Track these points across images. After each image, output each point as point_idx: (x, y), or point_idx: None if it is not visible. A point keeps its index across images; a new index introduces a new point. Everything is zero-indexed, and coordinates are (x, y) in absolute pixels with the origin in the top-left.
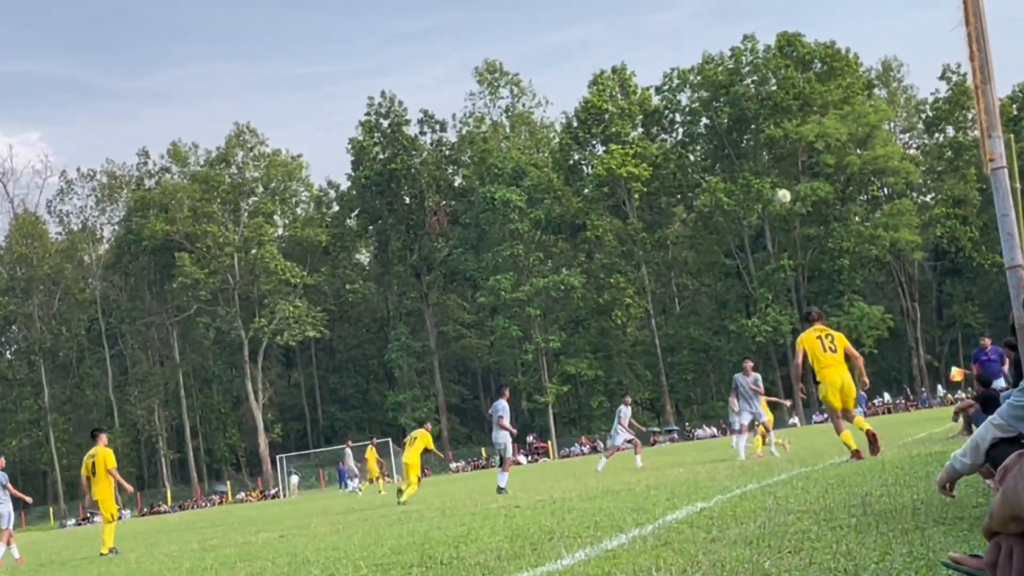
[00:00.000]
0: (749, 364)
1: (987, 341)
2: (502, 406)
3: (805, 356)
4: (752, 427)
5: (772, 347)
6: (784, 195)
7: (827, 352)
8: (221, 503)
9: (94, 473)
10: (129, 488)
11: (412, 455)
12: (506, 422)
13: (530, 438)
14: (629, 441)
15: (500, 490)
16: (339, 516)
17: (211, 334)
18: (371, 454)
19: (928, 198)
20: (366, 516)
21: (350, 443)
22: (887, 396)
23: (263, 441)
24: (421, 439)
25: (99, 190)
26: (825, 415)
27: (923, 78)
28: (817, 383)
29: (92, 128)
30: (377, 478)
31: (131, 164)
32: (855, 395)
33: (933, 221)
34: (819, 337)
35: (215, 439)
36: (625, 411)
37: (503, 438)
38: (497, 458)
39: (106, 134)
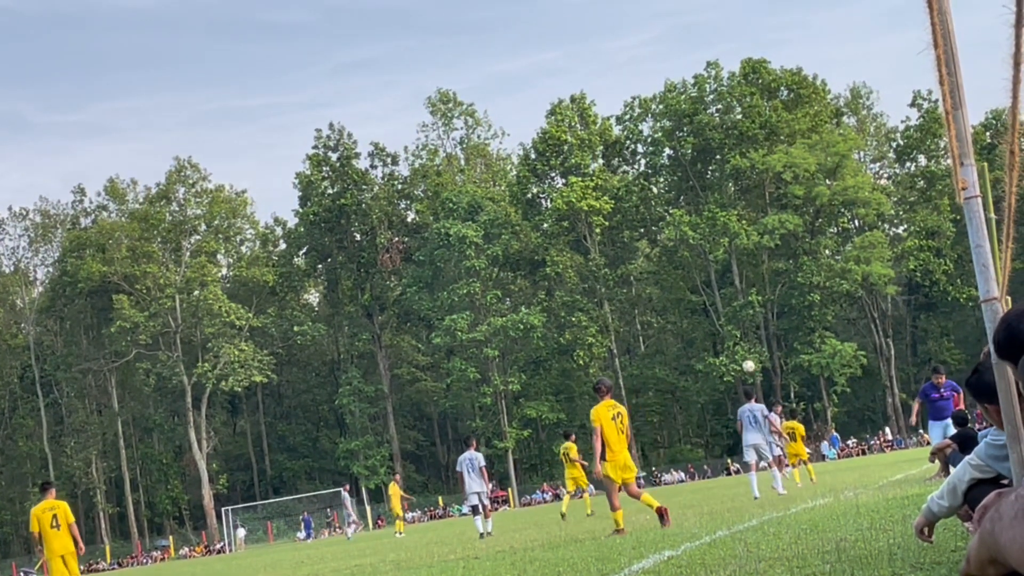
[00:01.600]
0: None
1: (941, 378)
2: (478, 456)
3: (601, 434)
4: (780, 461)
5: (740, 387)
6: (749, 365)
7: (620, 435)
8: (163, 559)
9: (56, 526)
10: (82, 547)
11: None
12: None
13: (490, 485)
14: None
15: (485, 535)
16: (288, 571)
17: (151, 380)
18: (395, 491)
19: (900, 230)
20: (316, 571)
21: (347, 488)
22: (862, 437)
23: (207, 493)
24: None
25: (32, 230)
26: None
27: (893, 105)
28: (601, 460)
29: (24, 164)
30: (400, 517)
31: (66, 202)
32: (635, 472)
33: (906, 253)
34: (614, 417)
35: (156, 491)
36: (774, 418)
37: (481, 486)
38: (479, 505)
39: (39, 170)
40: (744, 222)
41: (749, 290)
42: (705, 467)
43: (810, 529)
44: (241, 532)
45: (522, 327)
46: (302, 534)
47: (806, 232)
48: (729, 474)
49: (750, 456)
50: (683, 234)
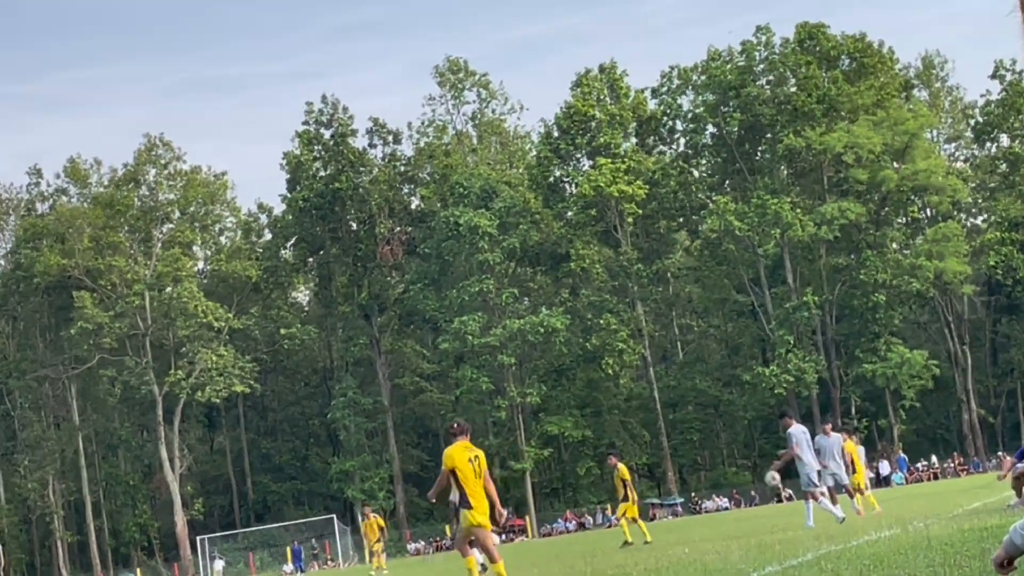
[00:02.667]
0: (828, 426)
1: None
2: None
3: (455, 476)
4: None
5: (794, 400)
6: (772, 477)
7: (478, 479)
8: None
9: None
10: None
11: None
12: None
13: (504, 513)
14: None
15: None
16: None
17: (117, 390)
18: (372, 526)
19: (979, 220)
20: None
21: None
22: (933, 459)
23: (180, 519)
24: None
25: None
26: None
27: (971, 77)
28: (459, 509)
29: None
30: (377, 553)
31: (20, 185)
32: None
33: (985, 248)
34: (471, 460)
35: (122, 517)
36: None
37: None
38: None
39: None
40: (799, 211)
41: (804, 289)
42: (753, 493)
43: (874, 565)
44: (219, 564)
45: (542, 331)
46: (289, 567)
47: (870, 223)
48: (780, 500)
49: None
50: (728, 224)
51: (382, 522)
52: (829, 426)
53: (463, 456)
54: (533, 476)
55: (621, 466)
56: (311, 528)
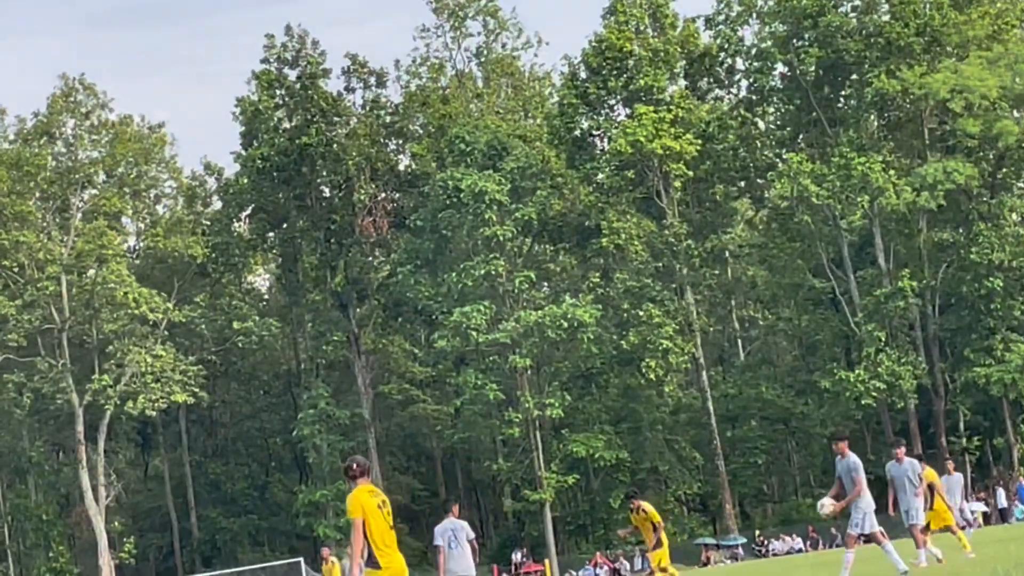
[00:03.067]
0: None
1: None
2: (462, 525)
3: (364, 529)
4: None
5: (887, 412)
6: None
7: (390, 530)
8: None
9: None
10: None
11: None
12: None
13: (517, 556)
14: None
15: None
16: None
17: (26, 399)
18: (332, 572)
19: None
20: None
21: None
22: None
23: (106, 564)
24: None
25: None
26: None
27: None
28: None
29: None
30: None
31: None
32: None
33: None
34: (379, 506)
35: (32, 561)
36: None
37: (468, 567)
38: None
39: None
40: (892, 172)
41: (899, 272)
42: (833, 531)
43: None
44: None
45: (566, 325)
46: None
47: (984, 187)
48: (868, 541)
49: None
50: (802, 190)
51: (339, 572)
52: (902, 450)
53: (372, 502)
54: (554, 509)
55: (648, 506)
56: (272, 574)
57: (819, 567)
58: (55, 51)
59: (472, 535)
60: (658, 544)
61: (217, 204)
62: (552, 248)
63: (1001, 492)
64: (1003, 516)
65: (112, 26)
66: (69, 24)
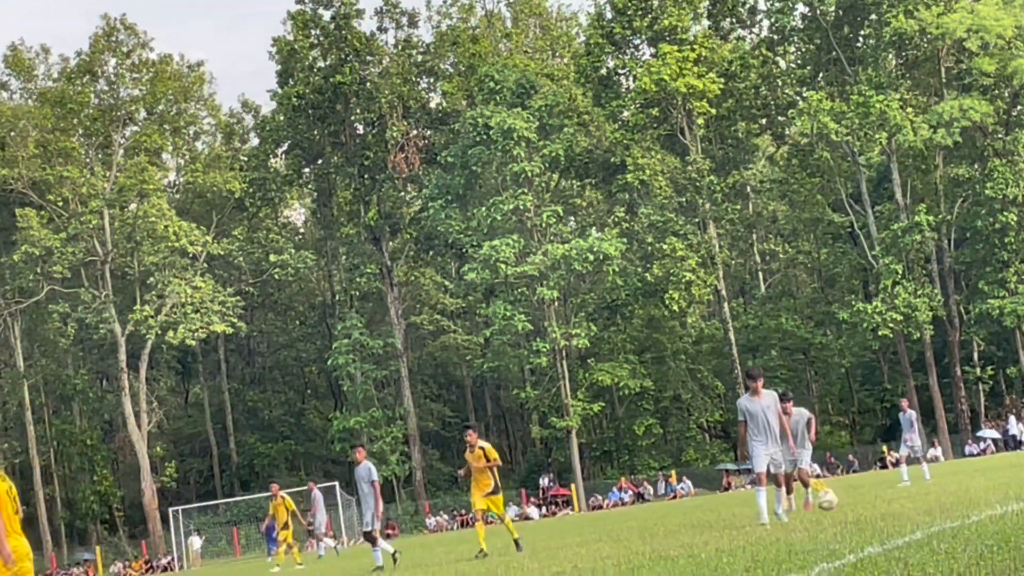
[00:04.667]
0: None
1: None
2: (368, 469)
3: None
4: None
5: (903, 344)
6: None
7: (17, 514)
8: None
9: None
10: None
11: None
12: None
13: (544, 481)
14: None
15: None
16: None
17: (70, 329)
18: (281, 507)
19: None
20: None
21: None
22: None
23: (148, 487)
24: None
25: None
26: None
27: None
28: None
29: None
30: (286, 543)
31: None
32: None
33: None
34: (7, 491)
35: (78, 484)
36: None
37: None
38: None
39: None
40: (910, 110)
41: (916, 207)
42: (850, 457)
43: (999, 546)
44: (196, 542)
45: (592, 258)
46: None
47: (999, 125)
48: (884, 466)
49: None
50: (822, 127)
51: (291, 504)
52: (790, 404)
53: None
54: (580, 436)
55: (487, 445)
56: (308, 499)
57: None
58: None
59: (375, 477)
60: (495, 489)
61: (254, 141)
62: (578, 183)
63: (1013, 420)
64: (1016, 443)
65: None
66: None
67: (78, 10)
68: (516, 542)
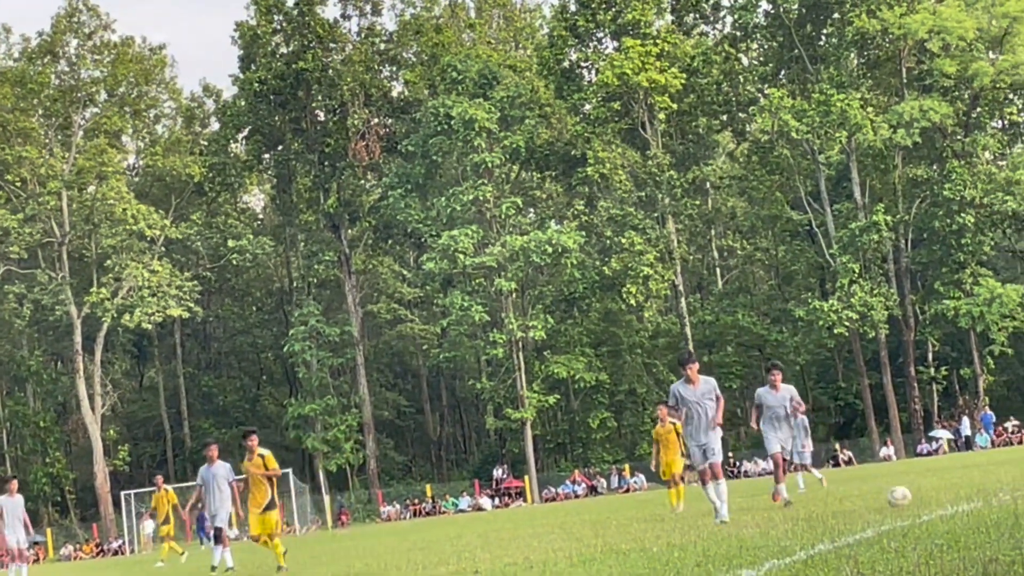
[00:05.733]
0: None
1: None
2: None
3: None
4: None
5: (858, 342)
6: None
7: None
8: (37, 561)
9: None
10: None
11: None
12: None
13: (498, 472)
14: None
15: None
16: None
17: (26, 310)
18: (163, 499)
19: None
20: None
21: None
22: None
23: (101, 470)
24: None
25: None
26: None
27: None
28: None
29: None
30: (168, 537)
31: None
32: None
33: None
34: None
35: (29, 467)
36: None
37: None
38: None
39: None
40: (870, 109)
41: (874, 207)
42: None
43: (948, 545)
44: (148, 525)
45: (551, 250)
46: (234, 532)
47: (958, 126)
48: (837, 464)
49: None
50: (783, 124)
51: (174, 497)
52: (778, 375)
53: None
54: (535, 428)
55: (268, 453)
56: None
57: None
58: None
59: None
60: (271, 504)
61: (215, 125)
62: (539, 175)
63: (966, 420)
64: (968, 444)
65: None
66: None
67: None
68: (279, 568)
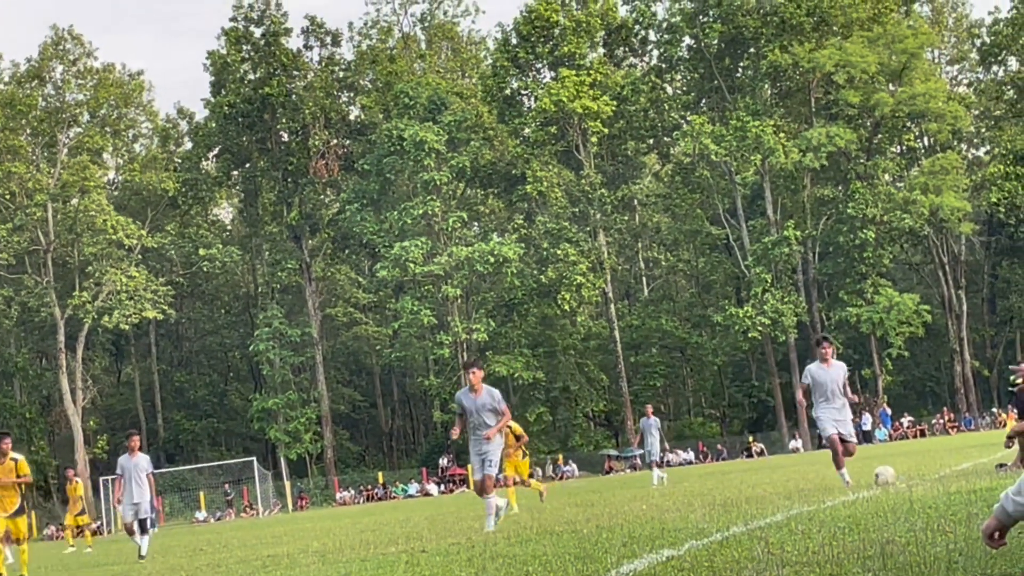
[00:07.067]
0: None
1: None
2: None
3: None
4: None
5: (770, 345)
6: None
7: None
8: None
9: None
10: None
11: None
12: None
13: (443, 461)
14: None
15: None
16: (183, 561)
17: (14, 312)
18: (75, 491)
19: (982, 152)
20: (218, 561)
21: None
22: (920, 414)
23: (82, 458)
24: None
25: None
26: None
27: None
28: None
29: None
30: (79, 527)
31: None
32: None
33: (987, 182)
34: None
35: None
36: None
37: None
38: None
39: None
40: (782, 135)
41: (785, 223)
42: (719, 446)
43: (849, 528)
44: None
45: (492, 260)
46: (202, 514)
47: (861, 151)
48: (750, 455)
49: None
50: (703, 148)
51: (82, 490)
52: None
53: None
54: None
55: (22, 459)
56: (228, 472)
57: (708, 476)
58: (47, 4)
59: (150, 469)
60: (22, 509)
61: (188, 144)
62: (482, 192)
63: (867, 417)
64: (868, 438)
65: None
66: None
67: (28, 18)
68: None
